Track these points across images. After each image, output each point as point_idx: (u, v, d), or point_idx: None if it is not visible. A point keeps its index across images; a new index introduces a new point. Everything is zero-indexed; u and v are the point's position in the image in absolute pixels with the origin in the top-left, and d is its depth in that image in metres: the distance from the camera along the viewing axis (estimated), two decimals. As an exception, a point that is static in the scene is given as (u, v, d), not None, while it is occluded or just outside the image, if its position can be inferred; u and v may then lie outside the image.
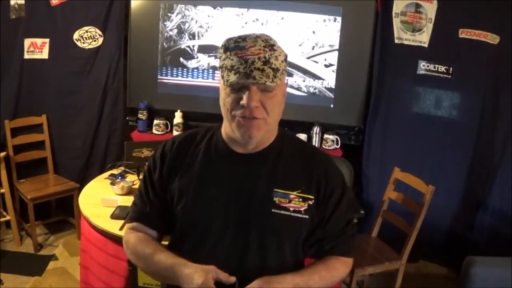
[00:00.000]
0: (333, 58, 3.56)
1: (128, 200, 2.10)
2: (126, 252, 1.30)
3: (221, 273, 1.09)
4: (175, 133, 3.52)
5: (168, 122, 3.61)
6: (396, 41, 3.39)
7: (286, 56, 1.17)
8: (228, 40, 1.13)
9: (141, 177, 1.41)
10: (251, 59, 1.09)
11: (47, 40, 3.51)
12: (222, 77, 1.13)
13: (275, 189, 1.20)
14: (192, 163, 1.24)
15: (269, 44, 1.12)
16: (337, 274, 1.26)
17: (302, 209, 1.20)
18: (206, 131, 1.30)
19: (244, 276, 1.14)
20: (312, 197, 1.22)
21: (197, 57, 3.60)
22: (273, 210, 1.19)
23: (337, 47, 3.54)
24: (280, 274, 1.15)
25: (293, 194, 1.20)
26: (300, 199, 1.20)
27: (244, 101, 1.11)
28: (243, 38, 1.11)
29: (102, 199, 2.39)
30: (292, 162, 1.24)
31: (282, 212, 1.19)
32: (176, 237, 1.28)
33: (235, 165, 1.22)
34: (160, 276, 1.22)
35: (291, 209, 1.20)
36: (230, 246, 1.19)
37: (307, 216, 1.21)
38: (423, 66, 3.37)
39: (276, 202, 1.19)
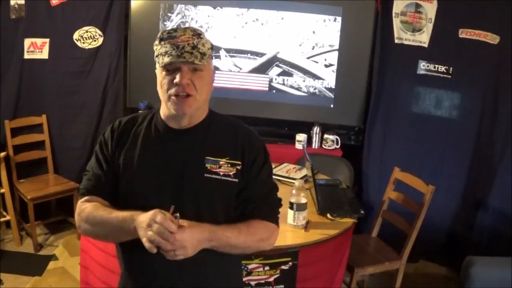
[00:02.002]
0: (333, 58, 3.56)
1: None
2: (79, 223, 1.39)
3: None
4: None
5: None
6: (396, 41, 3.39)
7: (212, 45, 1.37)
8: (162, 32, 1.33)
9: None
10: (181, 45, 1.29)
11: (47, 40, 3.51)
12: (158, 63, 1.32)
13: (206, 157, 1.36)
14: (135, 140, 1.40)
15: (197, 33, 1.32)
16: (256, 232, 1.38)
17: (231, 173, 1.37)
18: (148, 113, 1.47)
19: None
20: (239, 163, 1.38)
21: (197, 57, 3.60)
22: (205, 175, 1.35)
23: (337, 47, 3.54)
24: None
25: (222, 161, 1.37)
26: (229, 165, 1.37)
27: (177, 79, 1.29)
28: (175, 30, 1.32)
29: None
30: (220, 134, 1.41)
31: (214, 176, 1.35)
32: (121, 205, 1.39)
33: (171, 139, 1.39)
34: (117, 231, 1.31)
35: (221, 173, 1.36)
36: (167, 210, 1.29)
37: (236, 180, 1.37)
38: (423, 66, 3.37)
39: (208, 168, 1.36)
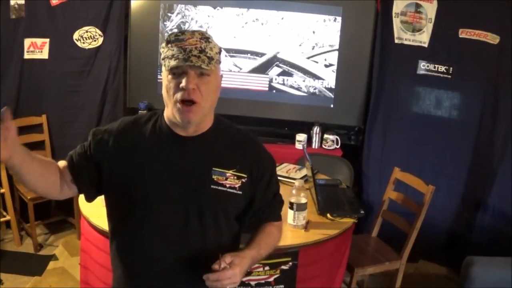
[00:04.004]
0: (333, 58, 3.56)
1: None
2: None
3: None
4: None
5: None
6: (396, 41, 3.39)
7: (220, 49, 1.34)
8: (170, 35, 1.30)
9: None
10: (188, 48, 1.25)
11: (47, 40, 3.50)
12: (165, 65, 1.28)
13: (213, 168, 1.35)
14: (137, 144, 1.36)
15: (205, 37, 1.30)
16: (275, 238, 1.49)
17: (236, 185, 1.37)
18: (151, 115, 1.42)
19: (186, 246, 1.33)
20: (245, 176, 1.38)
21: (197, 57, 3.60)
22: (212, 186, 1.34)
23: (337, 47, 3.54)
24: (240, 251, 1.34)
25: (229, 173, 1.36)
26: (235, 177, 1.37)
27: (183, 84, 1.25)
28: (182, 32, 1.29)
29: (102, 199, 2.38)
30: (228, 145, 1.40)
31: (220, 188, 1.35)
32: (123, 212, 1.38)
33: (177, 147, 1.35)
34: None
35: (227, 185, 1.36)
36: (172, 219, 1.32)
37: (240, 192, 1.37)
38: (423, 66, 3.37)
39: (215, 179, 1.34)
